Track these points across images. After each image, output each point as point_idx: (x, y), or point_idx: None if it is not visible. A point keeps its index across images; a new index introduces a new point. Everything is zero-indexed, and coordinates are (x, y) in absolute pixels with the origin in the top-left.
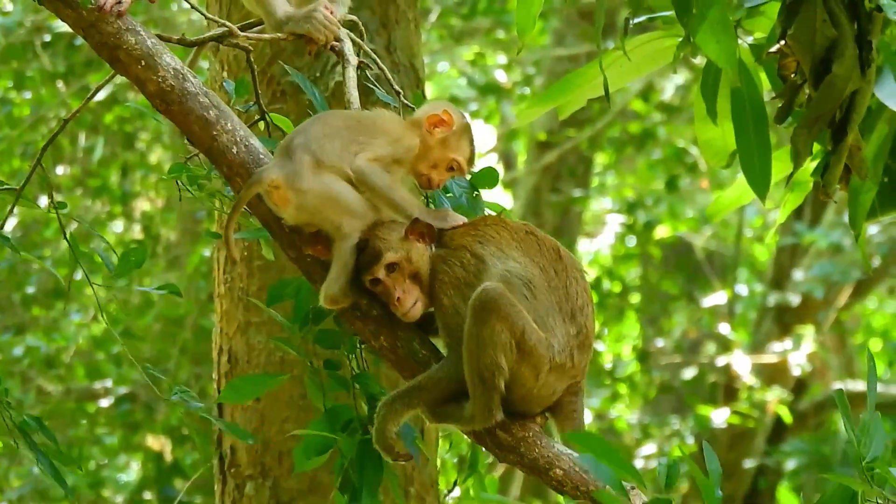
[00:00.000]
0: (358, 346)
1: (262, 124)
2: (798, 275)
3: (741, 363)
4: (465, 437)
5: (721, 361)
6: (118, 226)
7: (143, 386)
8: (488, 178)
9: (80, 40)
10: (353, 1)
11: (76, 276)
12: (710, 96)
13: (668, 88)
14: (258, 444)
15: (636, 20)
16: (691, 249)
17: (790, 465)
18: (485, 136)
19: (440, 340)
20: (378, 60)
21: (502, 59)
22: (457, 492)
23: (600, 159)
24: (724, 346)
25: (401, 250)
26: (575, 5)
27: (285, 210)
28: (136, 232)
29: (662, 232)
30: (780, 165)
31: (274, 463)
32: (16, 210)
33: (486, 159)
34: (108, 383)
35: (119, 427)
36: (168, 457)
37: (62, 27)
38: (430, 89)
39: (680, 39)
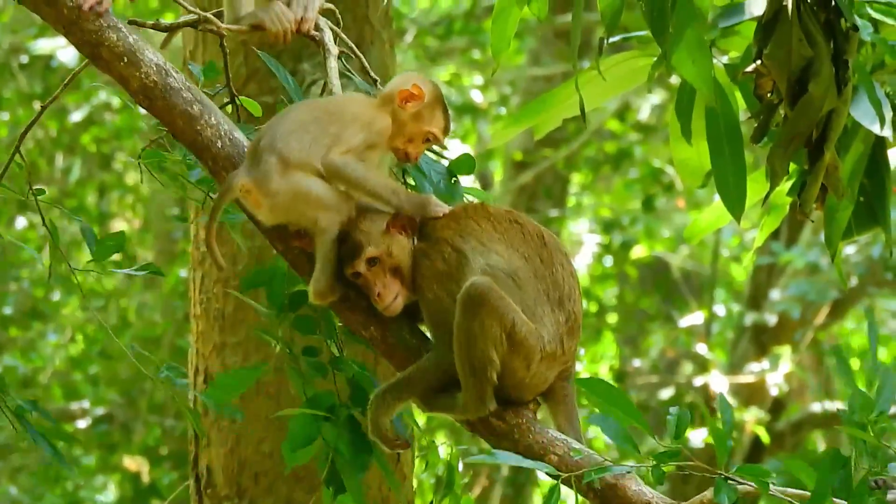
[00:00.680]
0: (335, 329)
1: (230, 107)
2: (775, 294)
3: (718, 383)
4: (443, 454)
5: (699, 381)
6: None
7: (121, 406)
8: (465, 164)
9: (56, 62)
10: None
11: (53, 297)
12: (684, 116)
13: (645, 108)
14: (234, 465)
15: (611, 39)
16: (668, 269)
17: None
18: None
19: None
20: (355, 48)
21: (478, 79)
22: None
23: (577, 179)
24: (702, 365)
25: (382, 244)
26: (550, 25)
27: (260, 212)
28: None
29: (639, 252)
30: (756, 186)
31: (250, 483)
32: None
33: (465, 180)
34: (86, 404)
35: (96, 448)
36: (145, 477)
37: (40, 48)
38: None
39: (655, 59)
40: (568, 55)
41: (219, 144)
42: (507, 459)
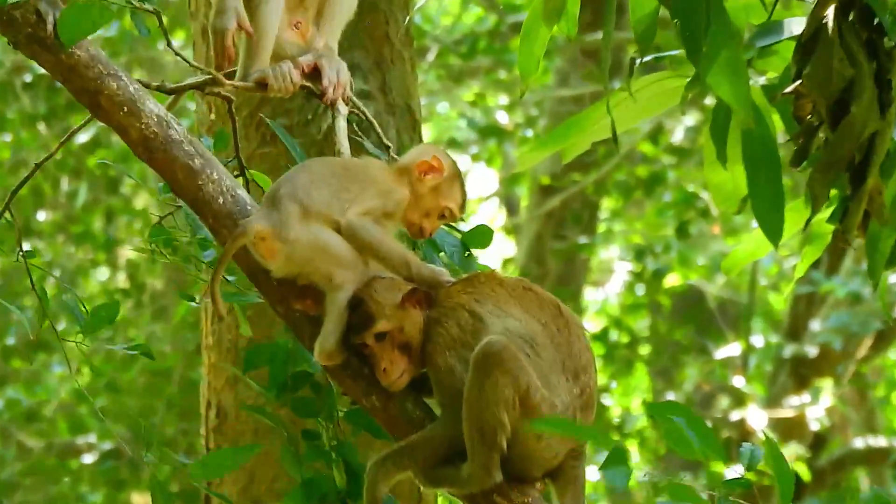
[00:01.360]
0: (336, 415)
1: (241, 180)
2: (815, 325)
3: (756, 418)
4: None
5: (735, 416)
6: (103, 273)
7: (128, 441)
8: (482, 237)
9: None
10: (345, 41)
11: (57, 327)
12: (720, 139)
13: (678, 130)
14: None
15: (643, 59)
16: (703, 298)
17: None
18: (486, 180)
19: (434, 401)
20: (366, 112)
21: (504, 99)
22: None
23: (607, 204)
24: (739, 399)
25: (394, 318)
26: (579, 44)
27: (273, 262)
28: (121, 280)
29: (673, 280)
30: (795, 212)
31: None
32: None
33: (488, 204)
34: (92, 438)
35: (103, 484)
36: None
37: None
38: (428, 131)
39: (689, 79)
40: (598, 75)
41: (220, 201)
42: None
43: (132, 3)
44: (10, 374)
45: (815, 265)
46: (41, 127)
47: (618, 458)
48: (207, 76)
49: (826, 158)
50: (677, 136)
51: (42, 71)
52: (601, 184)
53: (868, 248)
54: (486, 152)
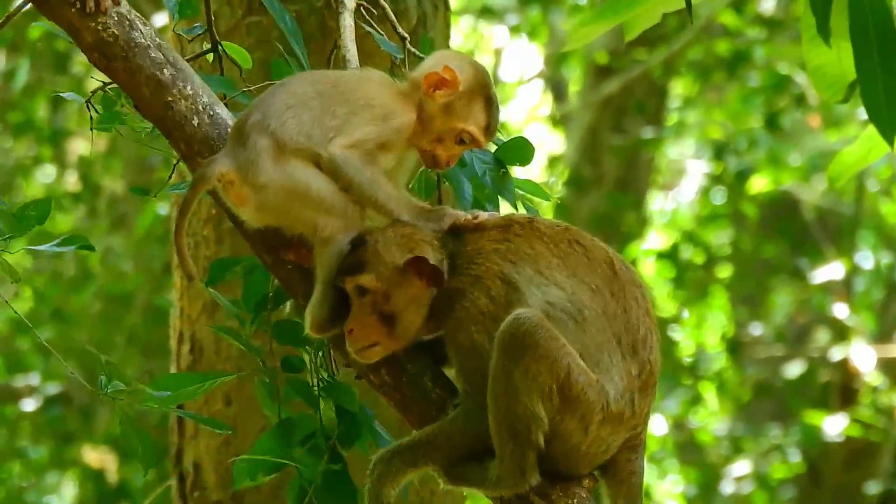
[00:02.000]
0: (326, 343)
1: (211, 56)
2: None
3: (863, 357)
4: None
5: (836, 355)
6: (48, 173)
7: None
8: (521, 152)
9: None
10: None
11: None
12: (821, 9)
13: None
14: (228, 462)
15: None
16: (798, 208)
17: None
18: (527, 57)
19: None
20: None
21: None
22: None
23: (678, 89)
24: (841, 334)
25: (385, 280)
26: None
27: (244, 210)
28: (72, 182)
29: (760, 184)
30: None
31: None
32: None
33: (529, 87)
34: (34, 379)
35: (48, 437)
36: (112, 476)
37: None
38: None
39: None
40: None
41: (195, 122)
42: None
43: None
44: None
45: None
46: None
47: None
48: None
49: None
50: (767, 4)
51: None
52: (671, 64)
53: None
54: (528, 23)
